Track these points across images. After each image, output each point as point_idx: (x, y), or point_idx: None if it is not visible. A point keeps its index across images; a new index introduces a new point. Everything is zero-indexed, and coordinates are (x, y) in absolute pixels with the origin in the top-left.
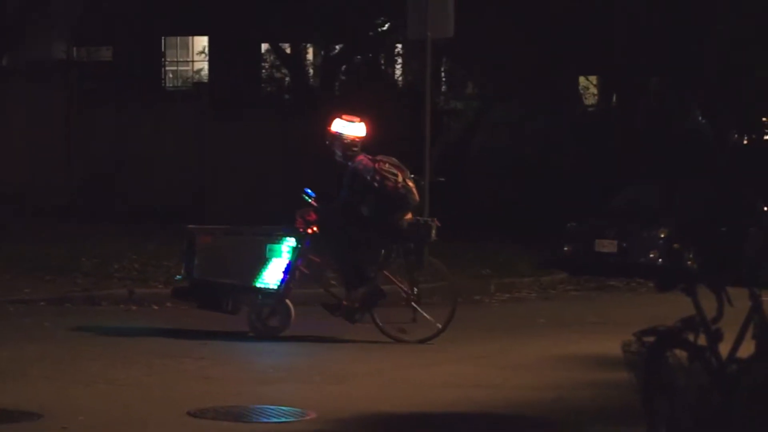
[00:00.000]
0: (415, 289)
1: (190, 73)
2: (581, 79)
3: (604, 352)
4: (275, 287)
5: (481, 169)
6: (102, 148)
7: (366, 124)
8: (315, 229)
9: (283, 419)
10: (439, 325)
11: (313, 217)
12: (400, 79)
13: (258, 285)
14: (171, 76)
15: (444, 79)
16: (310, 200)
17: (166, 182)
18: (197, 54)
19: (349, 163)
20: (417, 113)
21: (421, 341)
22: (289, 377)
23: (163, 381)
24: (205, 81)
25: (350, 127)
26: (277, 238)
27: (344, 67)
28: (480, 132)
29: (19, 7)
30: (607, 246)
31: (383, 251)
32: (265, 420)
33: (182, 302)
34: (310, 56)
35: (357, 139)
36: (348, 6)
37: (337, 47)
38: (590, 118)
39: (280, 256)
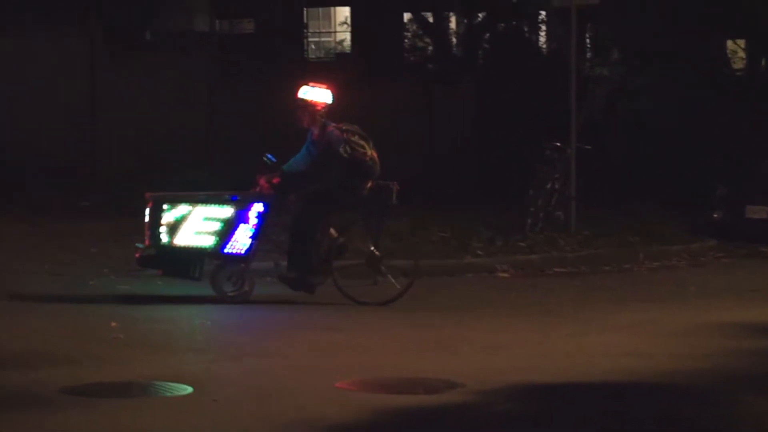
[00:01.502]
0: (377, 253)
1: (333, 44)
2: (729, 43)
3: (760, 320)
4: (243, 252)
5: (626, 136)
6: (242, 121)
7: (514, 91)
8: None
9: (434, 391)
10: (399, 287)
11: (277, 180)
12: (543, 46)
13: (226, 251)
14: (313, 47)
15: (588, 45)
16: (272, 165)
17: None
18: (339, 24)
19: (318, 134)
20: (561, 81)
21: (383, 303)
22: (438, 347)
23: (311, 353)
24: (348, 51)
25: (316, 94)
26: (245, 204)
27: (487, 35)
28: (625, 98)
29: None
30: (758, 212)
31: (346, 218)
32: (415, 392)
33: (148, 269)
34: (452, 25)
35: (323, 106)
36: None
37: (480, 15)
38: (738, 82)
39: (247, 221)
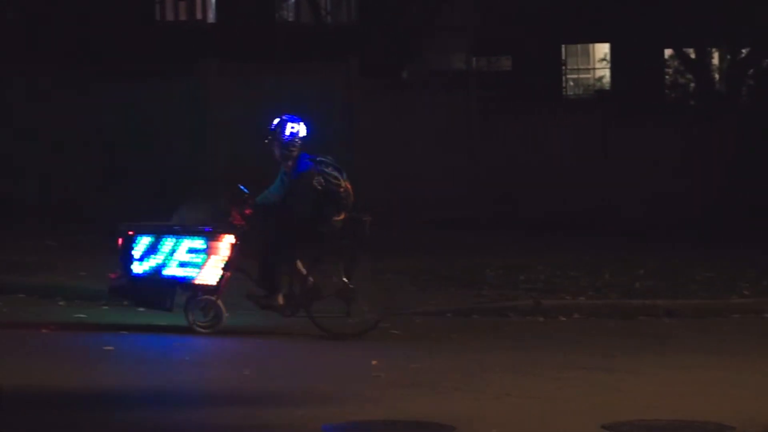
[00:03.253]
0: (351, 285)
1: (591, 81)
2: None
3: None
4: (214, 283)
5: None
6: (501, 158)
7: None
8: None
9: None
10: (374, 317)
11: (249, 212)
12: None
13: (197, 282)
14: (572, 84)
15: None
16: (245, 196)
17: (566, 191)
18: (598, 61)
19: (293, 166)
20: None
21: (358, 335)
22: (705, 390)
23: (575, 393)
24: (607, 88)
25: (292, 127)
26: (216, 235)
27: (751, 71)
28: None
29: (417, 19)
30: None
31: (317, 250)
32: None
33: (120, 300)
34: (715, 60)
35: (298, 139)
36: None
37: (744, 51)
38: None
39: (218, 252)
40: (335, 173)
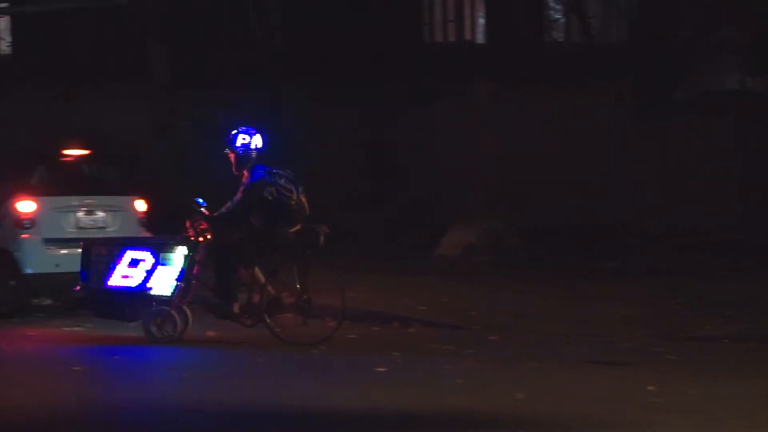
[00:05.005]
0: (305, 295)
1: None
2: None
3: None
4: (168, 295)
5: None
6: None
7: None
8: (207, 237)
9: None
10: (332, 325)
11: (204, 225)
12: None
13: (152, 293)
14: None
15: None
16: (201, 209)
17: None
18: None
19: (247, 176)
20: None
21: (316, 344)
22: None
23: None
24: None
25: (244, 139)
26: (169, 247)
27: None
28: None
29: (691, 38)
30: None
31: (271, 260)
32: None
33: (81, 311)
34: None
35: (253, 151)
36: None
37: None
38: None
39: (172, 264)
40: (289, 185)
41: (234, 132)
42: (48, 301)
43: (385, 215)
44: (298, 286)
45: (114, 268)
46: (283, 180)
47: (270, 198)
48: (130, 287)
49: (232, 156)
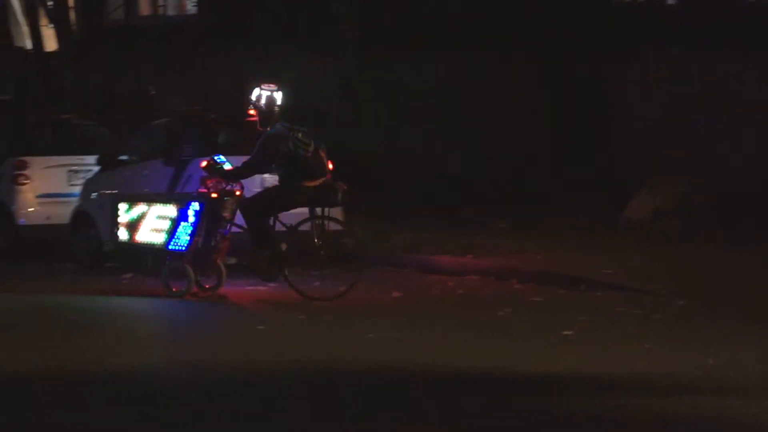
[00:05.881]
0: (322, 252)
1: None
2: None
3: None
4: (183, 248)
5: None
6: None
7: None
8: (236, 193)
9: None
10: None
11: (222, 182)
12: None
13: (169, 247)
14: None
15: None
16: (219, 166)
17: None
18: None
19: (268, 129)
20: None
21: (332, 299)
22: None
23: None
24: None
25: (268, 95)
26: (184, 203)
27: None
28: None
29: None
30: None
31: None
32: None
33: (111, 264)
34: None
35: (276, 107)
36: None
37: None
38: None
39: (187, 219)
40: (306, 139)
41: (257, 89)
42: (233, 260)
43: (570, 177)
44: (316, 240)
45: (136, 222)
46: (300, 134)
47: (286, 150)
48: (149, 241)
49: (255, 112)
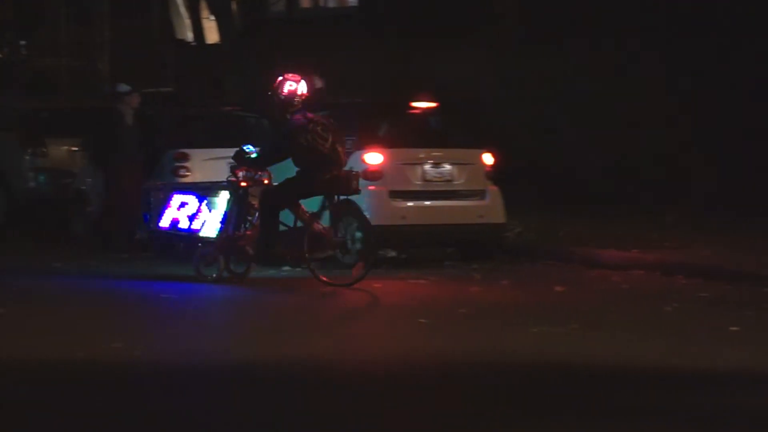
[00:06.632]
0: (338, 235)
1: None
2: None
3: None
4: (213, 236)
5: None
6: None
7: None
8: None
9: None
10: (363, 267)
11: (242, 170)
12: None
13: (200, 235)
14: None
15: None
16: (248, 155)
17: None
18: None
19: (289, 117)
20: None
21: (349, 285)
22: None
23: None
24: None
25: (291, 86)
26: (215, 192)
27: None
28: None
29: None
30: None
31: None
32: None
33: (144, 252)
34: None
35: (297, 98)
36: None
37: None
38: None
39: (216, 207)
40: (325, 134)
41: (280, 78)
42: (392, 253)
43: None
44: (333, 229)
45: (164, 211)
46: (320, 128)
47: (305, 143)
48: (181, 229)
49: (277, 101)
